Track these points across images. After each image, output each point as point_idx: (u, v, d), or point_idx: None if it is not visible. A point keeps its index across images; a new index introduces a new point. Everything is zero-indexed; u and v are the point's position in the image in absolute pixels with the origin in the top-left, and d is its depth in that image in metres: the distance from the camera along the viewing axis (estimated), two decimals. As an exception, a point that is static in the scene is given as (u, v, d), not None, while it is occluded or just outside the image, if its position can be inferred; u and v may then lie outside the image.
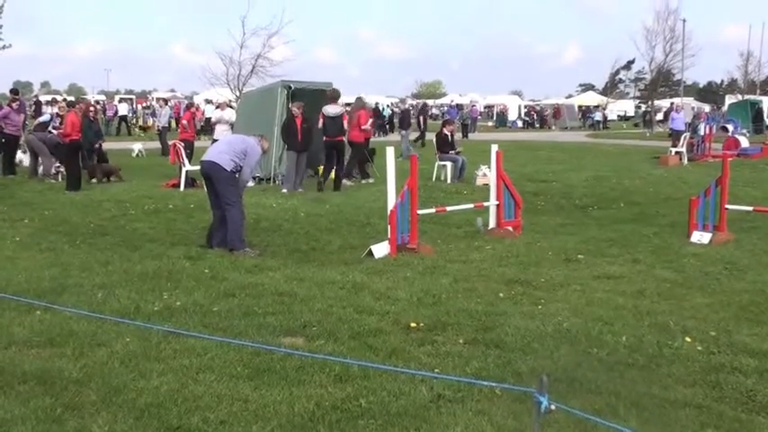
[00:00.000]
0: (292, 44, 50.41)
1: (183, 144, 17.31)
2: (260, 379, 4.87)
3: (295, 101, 16.45)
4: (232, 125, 19.38)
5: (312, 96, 17.96)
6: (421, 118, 34.23)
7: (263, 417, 4.31)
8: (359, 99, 19.20)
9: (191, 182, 16.35)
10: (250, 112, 18.99)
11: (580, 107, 66.65)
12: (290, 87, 17.57)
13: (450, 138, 18.78)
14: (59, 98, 32.81)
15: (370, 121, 18.63)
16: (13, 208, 12.71)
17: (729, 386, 4.85)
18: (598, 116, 60.04)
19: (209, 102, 39.48)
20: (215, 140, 19.76)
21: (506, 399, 4.54)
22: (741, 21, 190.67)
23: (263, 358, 5.18)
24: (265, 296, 6.96)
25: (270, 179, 17.03)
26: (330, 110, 15.98)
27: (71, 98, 30.42)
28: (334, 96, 16.39)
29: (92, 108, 18.67)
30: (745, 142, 28.91)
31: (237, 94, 30.23)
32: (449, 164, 18.01)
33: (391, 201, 9.15)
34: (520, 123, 62.13)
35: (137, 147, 25.59)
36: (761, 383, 4.89)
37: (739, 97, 57.34)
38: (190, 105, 27.81)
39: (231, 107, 22.52)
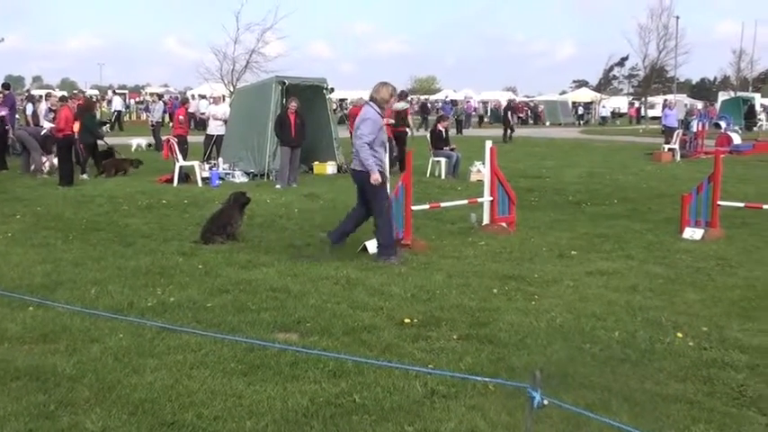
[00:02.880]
0: (286, 39, 50.50)
1: (176, 139, 17.28)
2: (254, 375, 4.87)
3: (289, 96, 16.46)
4: (226, 121, 19.39)
5: (306, 92, 17.99)
6: (509, 113, 35.10)
7: (256, 412, 4.31)
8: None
9: (184, 177, 16.33)
10: (244, 108, 18.98)
11: (574, 103, 66.80)
12: (284, 83, 17.57)
13: (444, 134, 18.79)
14: (53, 93, 32.69)
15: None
16: (4, 203, 12.67)
17: (720, 381, 4.88)
18: (604, 111, 61.06)
19: (202, 97, 39.42)
20: (208, 135, 19.80)
21: (500, 394, 4.56)
22: (734, 18, 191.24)
23: (257, 354, 5.18)
24: (259, 292, 6.96)
25: (264, 175, 17.02)
26: (394, 104, 18.71)
27: (63, 93, 30.30)
28: (401, 94, 19.02)
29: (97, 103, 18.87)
30: (737, 139, 29.03)
31: (231, 89, 30.21)
32: (443, 160, 18.02)
33: (385, 197, 9.15)
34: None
35: (135, 141, 25.44)
36: (751, 378, 4.92)
37: (732, 94, 57.56)
38: (184, 101, 27.73)
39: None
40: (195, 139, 22.03)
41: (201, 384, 4.69)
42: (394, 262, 8.26)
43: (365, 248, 8.80)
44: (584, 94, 74.45)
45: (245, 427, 4.13)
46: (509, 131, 34.25)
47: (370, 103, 8.62)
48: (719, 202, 10.15)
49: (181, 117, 20.05)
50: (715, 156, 10.71)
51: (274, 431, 4.11)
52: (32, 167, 17.57)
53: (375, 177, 8.27)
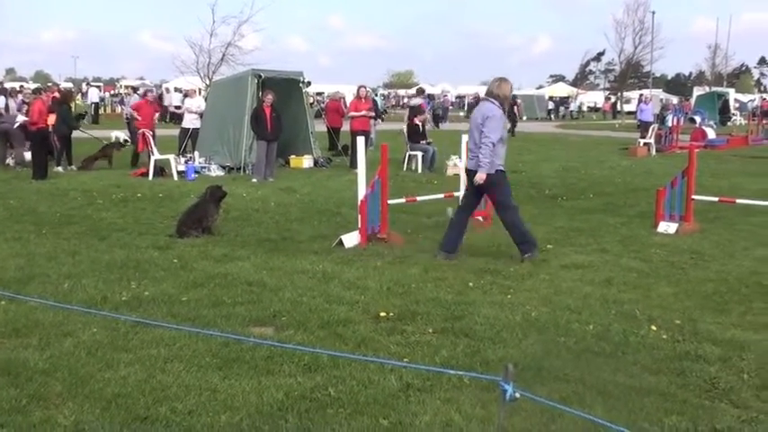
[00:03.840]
0: (263, 32, 50.23)
1: (151, 133, 17.12)
2: (229, 369, 4.85)
3: (265, 90, 16.39)
4: (201, 114, 19.25)
5: (283, 85, 17.92)
6: (515, 108, 34.98)
7: (231, 406, 4.29)
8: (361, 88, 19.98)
9: (159, 171, 16.21)
10: (220, 101, 18.86)
11: (551, 98, 67.19)
12: (260, 76, 17.49)
13: (420, 128, 18.81)
14: (26, 85, 32.33)
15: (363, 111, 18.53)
16: (-23, 197, 12.51)
17: (693, 374, 4.92)
18: (573, 106, 62.31)
19: (177, 90, 39.13)
20: (183, 129, 19.64)
21: (474, 387, 4.57)
22: (709, 14, 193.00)
23: (232, 348, 5.16)
24: (235, 286, 6.93)
25: (240, 168, 16.94)
26: (411, 101, 21.68)
27: (37, 85, 29.94)
28: (418, 91, 21.54)
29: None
30: (711, 134, 29.33)
31: (207, 82, 29.96)
32: (419, 154, 18.04)
33: (361, 190, 9.15)
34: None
35: (114, 134, 25.08)
36: (723, 371, 4.98)
37: (707, 89, 58.16)
38: (144, 93, 27.11)
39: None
40: (170, 132, 21.87)
41: (176, 378, 4.66)
42: (536, 256, 8.16)
43: (341, 242, 8.79)
44: (561, 89, 74.88)
45: (220, 422, 4.11)
46: (513, 128, 34.23)
47: (491, 99, 8.17)
48: (694, 197, 10.25)
49: (129, 109, 19.94)
50: (690, 150, 10.81)
51: (249, 425, 4.09)
52: (8, 160, 17.36)
53: (481, 176, 8.05)
